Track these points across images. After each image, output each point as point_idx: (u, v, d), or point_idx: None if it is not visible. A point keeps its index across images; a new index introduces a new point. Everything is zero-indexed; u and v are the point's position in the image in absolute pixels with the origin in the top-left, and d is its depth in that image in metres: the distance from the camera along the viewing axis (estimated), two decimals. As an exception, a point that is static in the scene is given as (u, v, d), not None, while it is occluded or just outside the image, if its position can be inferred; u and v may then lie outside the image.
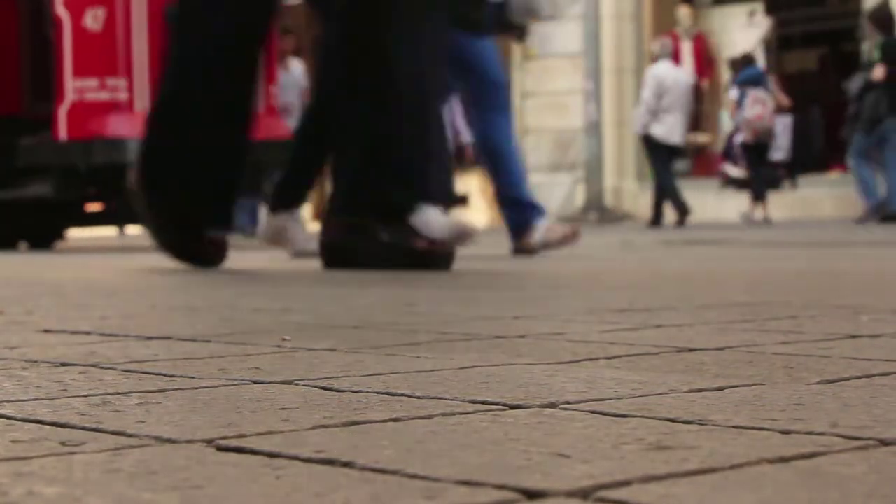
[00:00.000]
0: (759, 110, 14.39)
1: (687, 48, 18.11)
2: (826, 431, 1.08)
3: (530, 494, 0.85)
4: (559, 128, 17.30)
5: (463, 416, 1.19)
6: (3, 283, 3.87)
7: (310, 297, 3.14)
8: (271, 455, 0.99)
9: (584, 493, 0.85)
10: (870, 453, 0.98)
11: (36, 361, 1.70)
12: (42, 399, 1.34)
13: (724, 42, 18.03)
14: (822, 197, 15.16)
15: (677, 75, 14.26)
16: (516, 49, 15.44)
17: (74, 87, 9.08)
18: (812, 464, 0.94)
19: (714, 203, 15.81)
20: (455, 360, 1.65)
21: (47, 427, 1.15)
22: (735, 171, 14.66)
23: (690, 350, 1.76)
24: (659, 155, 13.67)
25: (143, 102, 8.85)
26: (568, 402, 1.27)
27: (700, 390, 1.35)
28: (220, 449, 1.03)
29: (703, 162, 17.89)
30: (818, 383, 1.41)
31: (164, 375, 1.53)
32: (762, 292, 3.08)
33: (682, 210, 13.48)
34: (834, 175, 16.27)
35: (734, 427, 1.10)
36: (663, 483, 0.87)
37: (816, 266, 4.70)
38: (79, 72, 9.12)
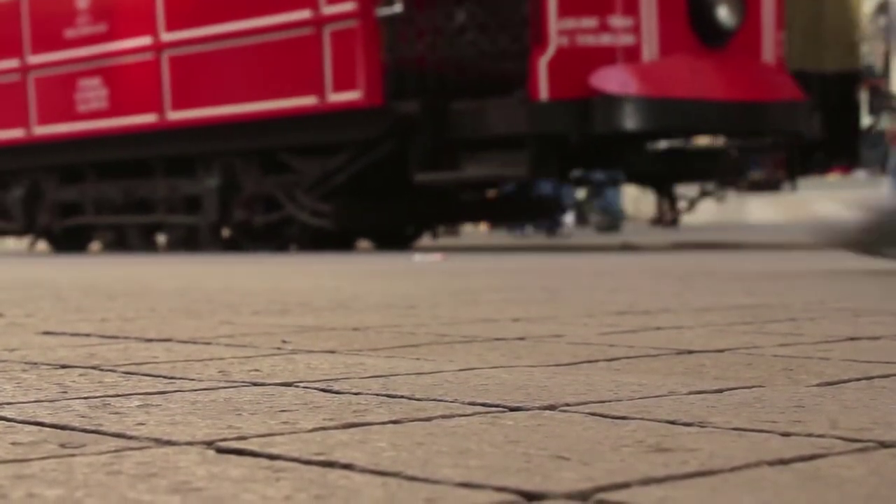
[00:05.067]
0: None
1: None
2: (826, 434, 1.08)
3: (530, 497, 0.85)
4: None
5: (462, 418, 1.19)
6: (3, 286, 3.87)
7: (310, 298, 3.14)
8: (271, 457, 1.00)
9: (583, 496, 0.85)
10: (870, 455, 0.98)
11: (36, 363, 1.70)
12: (42, 401, 1.34)
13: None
14: (822, 199, 15.17)
15: None
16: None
17: (561, 29, 6.59)
18: (812, 466, 0.94)
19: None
20: (455, 363, 1.65)
21: (48, 429, 1.15)
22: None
23: (690, 352, 1.76)
24: None
25: (651, 49, 6.67)
26: (567, 405, 1.27)
27: (700, 392, 1.35)
28: (221, 451, 1.03)
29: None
30: (818, 385, 1.41)
31: (165, 377, 1.53)
32: (762, 294, 3.08)
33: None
34: (833, 178, 16.26)
35: (734, 429, 1.10)
36: (663, 485, 0.87)
37: (814, 267, 4.70)
38: (567, 9, 6.62)
